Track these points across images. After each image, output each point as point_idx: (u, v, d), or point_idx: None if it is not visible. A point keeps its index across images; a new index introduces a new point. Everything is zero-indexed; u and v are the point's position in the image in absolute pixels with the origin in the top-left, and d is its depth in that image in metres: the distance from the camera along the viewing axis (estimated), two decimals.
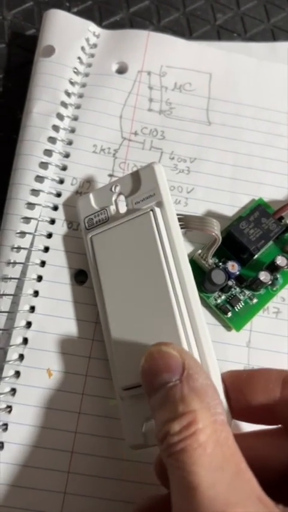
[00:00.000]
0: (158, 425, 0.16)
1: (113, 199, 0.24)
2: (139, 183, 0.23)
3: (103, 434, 0.22)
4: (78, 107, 0.28)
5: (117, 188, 0.24)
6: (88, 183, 0.26)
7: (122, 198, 0.24)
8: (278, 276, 0.24)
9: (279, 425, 0.19)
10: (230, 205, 0.27)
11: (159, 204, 0.22)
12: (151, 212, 0.22)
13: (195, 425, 0.15)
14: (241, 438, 0.18)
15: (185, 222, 0.23)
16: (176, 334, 0.20)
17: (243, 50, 0.33)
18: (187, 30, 0.34)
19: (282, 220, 0.26)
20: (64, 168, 0.26)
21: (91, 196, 0.24)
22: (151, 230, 0.21)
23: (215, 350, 0.23)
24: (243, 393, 0.18)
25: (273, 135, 0.29)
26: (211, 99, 0.29)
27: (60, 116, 0.27)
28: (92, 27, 0.30)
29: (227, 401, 0.19)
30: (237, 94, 0.29)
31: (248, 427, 0.20)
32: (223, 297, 0.24)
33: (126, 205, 0.23)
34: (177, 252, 0.21)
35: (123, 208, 0.23)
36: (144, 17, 0.34)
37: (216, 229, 0.22)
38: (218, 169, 0.27)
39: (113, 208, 0.24)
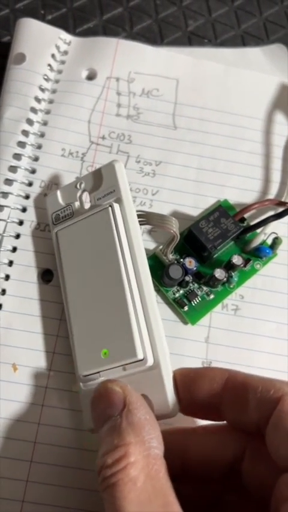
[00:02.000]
0: (98, 457, 0.17)
1: (78, 195, 0.25)
2: (101, 180, 0.24)
3: (66, 425, 0.23)
4: (48, 112, 0.29)
5: (82, 185, 0.25)
6: (56, 186, 0.27)
7: (86, 194, 0.25)
8: (233, 274, 0.25)
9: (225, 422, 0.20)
10: (194, 207, 0.28)
11: (118, 200, 0.23)
12: (109, 208, 0.23)
13: (126, 459, 0.16)
14: (190, 434, 0.20)
15: (146, 218, 0.24)
16: (129, 327, 0.21)
17: (214, 55, 0.35)
18: (159, 36, 0.35)
19: (245, 222, 0.27)
20: (33, 171, 0.27)
21: (58, 192, 0.26)
22: (109, 225, 0.23)
23: (174, 345, 0.25)
24: (190, 390, 0.19)
25: (238, 139, 0.30)
26: (178, 104, 0.30)
27: (30, 122, 0.28)
28: (63, 35, 0.31)
29: (177, 397, 0.20)
30: (204, 99, 0.30)
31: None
32: (181, 291, 0.25)
33: (90, 201, 0.24)
34: (134, 246, 0.22)
35: (87, 204, 0.25)
36: (117, 24, 0.35)
37: (174, 227, 0.23)
38: (182, 172, 0.29)
39: (77, 204, 0.25)
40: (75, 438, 0.23)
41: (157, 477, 0.16)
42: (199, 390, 0.19)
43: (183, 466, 0.19)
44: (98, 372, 0.21)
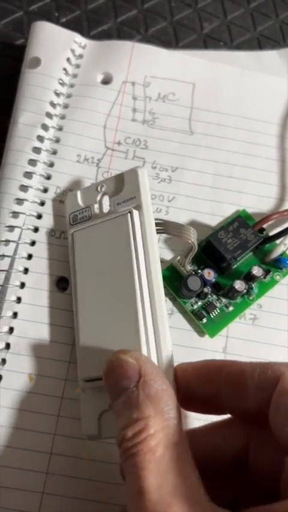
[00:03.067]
0: (117, 430, 0.17)
1: (98, 198, 0.25)
2: (122, 185, 0.24)
3: (81, 436, 0.23)
4: (63, 117, 0.28)
5: (103, 189, 0.24)
6: (72, 192, 0.27)
7: (106, 198, 0.24)
8: (253, 285, 0.24)
9: (230, 416, 0.19)
10: (211, 214, 0.28)
11: (138, 207, 0.23)
12: (129, 214, 0.23)
13: (146, 431, 0.16)
14: (191, 434, 0.19)
15: (164, 227, 0.24)
16: (138, 338, 0.20)
17: (229, 59, 0.34)
18: (174, 39, 0.35)
19: (264, 232, 0.27)
20: (48, 177, 0.27)
21: (78, 193, 0.25)
22: (127, 231, 0.22)
23: (192, 355, 0.25)
24: (190, 385, 0.19)
25: (255, 144, 0.29)
26: (194, 109, 0.30)
27: (45, 127, 0.28)
28: (78, 38, 0.31)
29: (177, 393, 0.19)
30: (220, 103, 0.30)
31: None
32: (199, 303, 0.25)
33: (109, 205, 0.24)
34: (150, 254, 0.22)
35: (106, 208, 0.24)
36: (132, 27, 0.35)
37: (192, 237, 0.23)
38: (199, 178, 0.28)
39: (96, 206, 0.24)
40: (91, 450, 0.23)
41: (175, 447, 0.16)
42: (197, 384, 0.19)
43: None
44: (100, 379, 0.21)
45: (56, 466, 0.22)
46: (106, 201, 0.24)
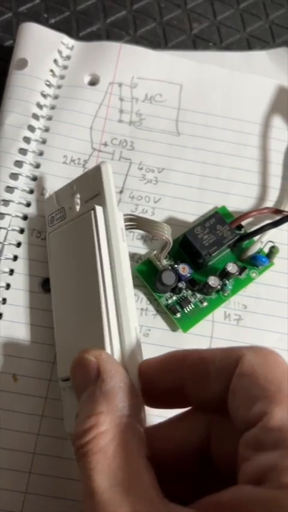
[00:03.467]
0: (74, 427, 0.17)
1: (70, 198, 0.25)
2: (89, 183, 0.24)
3: (64, 436, 0.23)
4: (50, 118, 0.29)
5: (75, 187, 0.24)
6: (50, 194, 0.27)
7: (77, 196, 0.24)
8: (227, 282, 0.25)
9: (190, 407, 0.19)
10: (197, 215, 0.28)
11: (103, 203, 0.23)
12: (92, 211, 0.22)
13: (97, 429, 0.16)
14: (151, 429, 0.19)
15: (137, 223, 0.23)
16: (101, 333, 0.20)
17: (218, 59, 0.34)
18: (163, 40, 0.35)
19: (242, 229, 0.27)
20: (34, 179, 0.27)
21: (54, 195, 0.25)
22: (91, 228, 0.22)
23: None
24: (155, 380, 0.19)
25: (242, 145, 0.29)
26: (181, 110, 0.30)
27: (31, 128, 0.28)
28: (66, 39, 0.31)
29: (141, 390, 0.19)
30: (207, 104, 0.30)
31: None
32: (174, 298, 0.25)
33: (80, 204, 0.24)
34: (114, 251, 0.22)
35: (78, 207, 0.24)
36: (121, 27, 0.35)
37: (166, 233, 0.23)
38: (185, 179, 0.28)
39: (68, 206, 0.24)
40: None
41: (128, 446, 0.16)
42: (162, 378, 0.19)
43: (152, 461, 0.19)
44: None
45: (39, 466, 0.22)
46: (78, 199, 0.24)
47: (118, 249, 0.22)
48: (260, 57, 0.35)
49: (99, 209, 0.23)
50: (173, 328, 0.25)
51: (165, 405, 0.20)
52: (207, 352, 0.18)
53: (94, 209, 0.22)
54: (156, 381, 0.19)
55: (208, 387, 0.17)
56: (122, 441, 0.16)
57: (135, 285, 0.25)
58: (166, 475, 0.17)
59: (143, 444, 0.16)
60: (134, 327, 0.21)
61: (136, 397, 0.18)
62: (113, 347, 0.20)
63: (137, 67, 0.30)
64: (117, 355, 0.20)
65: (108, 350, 0.20)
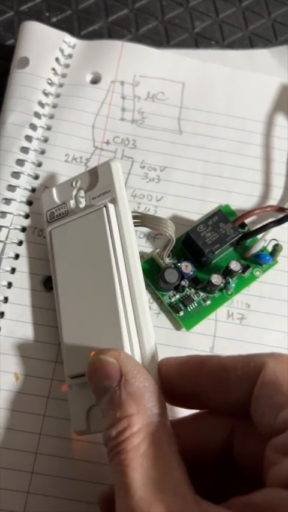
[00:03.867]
0: (103, 430, 0.17)
1: (73, 193, 0.24)
2: (97, 179, 0.24)
3: (68, 435, 0.23)
4: (51, 117, 0.29)
5: (78, 184, 0.24)
6: (47, 189, 0.27)
7: (81, 193, 0.24)
8: (231, 280, 0.25)
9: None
10: (199, 213, 0.27)
11: (113, 201, 0.23)
12: (104, 208, 0.22)
13: (129, 430, 0.16)
14: (184, 424, 0.19)
15: (142, 220, 0.23)
16: (119, 331, 0.20)
17: (221, 57, 0.34)
18: (165, 38, 0.35)
19: (246, 227, 0.27)
20: (36, 177, 0.27)
21: (54, 190, 0.25)
22: (103, 226, 0.22)
23: (179, 354, 0.24)
24: (173, 380, 0.19)
25: (245, 143, 0.29)
26: (183, 108, 0.30)
27: (33, 127, 0.28)
28: (68, 38, 0.31)
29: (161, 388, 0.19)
30: (210, 102, 0.30)
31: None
32: (177, 296, 0.25)
33: (85, 200, 0.24)
34: (127, 248, 0.22)
35: (82, 203, 0.24)
36: (123, 26, 0.35)
37: (170, 230, 0.23)
38: (188, 178, 0.28)
39: (72, 202, 0.24)
40: (78, 449, 0.23)
41: (159, 443, 0.16)
42: (180, 379, 0.19)
43: None
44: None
45: (42, 466, 0.22)
46: (82, 196, 0.24)
47: (132, 246, 0.22)
48: (262, 56, 0.35)
49: (111, 206, 0.23)
50: (177, 327, 0.25)
51: (183, 405, 0.20)
52: (228, 359, 0.18)
53: (106, 206, 0.23)
54: (174, 383, 0.19)
55: (227, 393, 0.18)
56: (153, 439, 0.16)
57: None
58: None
59: (173, 440, 0.17)
60: (151, 324, 0.21)
61: (160, 395, 0.18)
62: (132, 347, 0.20)
63: (139, 65, 0.30)
64: (137, 355, 0.20)
65: (127, 349, 0.20)
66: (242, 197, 0.28)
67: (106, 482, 0.22)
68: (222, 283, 0.24)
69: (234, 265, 0.24)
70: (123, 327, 0.21)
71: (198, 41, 0.35)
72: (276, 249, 0.25)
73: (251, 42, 0.35)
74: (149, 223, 0.24)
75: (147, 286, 0.25)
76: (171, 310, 0.25)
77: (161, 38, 0.35)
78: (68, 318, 0.23)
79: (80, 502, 0.22)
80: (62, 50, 0.30)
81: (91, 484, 0.22)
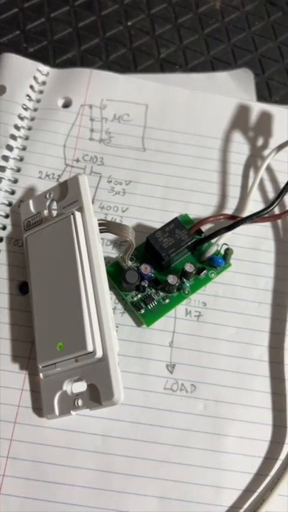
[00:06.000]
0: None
1: (47, 204, 0.28)
2: (66, 191, 0.27)
3: (43, 424, 0.25)
4: (27, 138, 0.32)
5: (51, 195, 0.28)
6: (25, 201, 0.29)
7: (54, 203, 0.27)
8: (185, 280, 0.28)
9: None
10: (160, 222, 0.30)
11: (80, 209, 0.26)
12: (72, 215, 0.26)
13: None
14: None
15: (107, 226, 0.27)
16: (82, 323, 0.23)
17: (184, 80, 0.37)
18: (133, 64, 0.38)
19: (202, 234, 0.29)
20: (13, 192, 0.30)
21: (30, 201, 0.28)
22: (71, 231, 0.25)
23: (141, 349, 0.27)
24: None
25: (203, 158, 0.32)
26: (147, 128, 0.33)
27: (9, 147, 0.31)
28: (41, 67, 0.34)
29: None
30: (171, 122, 0.33)
31: None
32: (139, 296, 0.28)
33: (57, 210, 0.27)
34: (92, 250, 0.25)
35: (54, 212, 0.27)
36: (94, 54, 0.38)
37: (130, 235, 0.26)
38: (150, 190, 0.31)
39: (46, 212, 0.27)
40: (54, 437, 0.25)
41: None
42: None
43: None
44: (54, 364, 0.24)
45: (16, 452, 0.25)
46: (54, 206, 0.27)
47: (96, 249, 0.25)
48: (222, 78, 0.38)
49: (78, 213, 0.26)
50: (138, 324, 0.28)
51: None
52: None
53: (73, 213, 0.26)
54: None
55: None
56: None
57: None
58: None
59: None
60: (111, 317, 0.24)
61: None
62: (94, 337, 0.23)
63: (106, 90, 0.33)
64: (98, 348, 0.23)
65: (89, 341, 0.23)
66: (199, 207, 0.31)
67: (81, 466, 0.25)
68: (177, 282, 0.27)
69: (188, 267, 0.27)
70: (86, 323, 0.23)
71: (164, 66, 0.38)
72: (227, 252, 0.28)
73: (212, 65, 0.39)
74: (112, 230, 0.27)
75: (112, 287, 0.28)
76: (133, 309, 0.28)
77: (129, 64, 0.38)
78: (40, 316, 0.25)
79: (56, 483, 0.24)
80: (36, 78, 0.33)
81: (63, 467, 0.25)
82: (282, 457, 0.26)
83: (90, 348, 0.23)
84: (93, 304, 0.24)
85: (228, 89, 0.37)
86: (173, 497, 0.25)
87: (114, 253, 0.29)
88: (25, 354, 0.27)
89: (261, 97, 0.37)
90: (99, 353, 0.23)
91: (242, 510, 0.25)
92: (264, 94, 0.38)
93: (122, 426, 0.26)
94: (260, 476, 0.25)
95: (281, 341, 0.28)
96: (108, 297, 0.25)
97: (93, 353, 0.23)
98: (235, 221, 0.28)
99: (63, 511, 0.24)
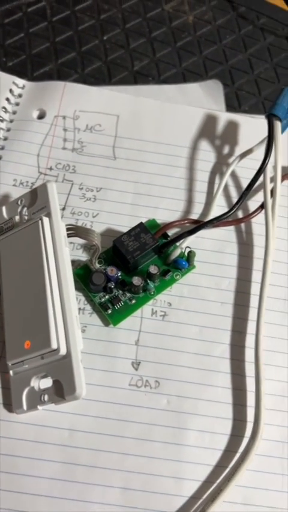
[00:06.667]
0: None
1: (18, 210, 0.29)
2: (36, 197, 0.29)
3: (12, 419, 0.27)
4: (2, 148, 0.33)
5: (22, 202, 0.29)
6: None
7: (25, 209, 0.29)
8: (149, 281, 0.29)
9: None
10: (129, 227, 0.31)
11: (49, 214, 0.28)
12: (40, 221, 0.27)
13: None
14: None
15: (75, 231, 0.28)
16: (47, 322, 0.25)
17: (156, 92, 0.39)
18: (107, 76, 0.40)
19: (168, 238, 0.31)
20: None
21: (3, 208, 0.30)
22: (38, 235, 0.27)
23: (108, 347, 0.29)
24: None
25: (171, 166, 0.34)
26: (117, 137, 0.34)
27: None
28: (17, 80, 0.36)
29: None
30: (141, 132, 0.35)
31: None
32: (107, 297, 0.29)
33: (27, 215, 0.29)
34: (58, 254, 0.27)
35: (25, 218, 0.29)
36: (70, 67, 0.40)
37: (96, 239, 0.27)
38: (120, 197, 0.33)
39: (17, 217, 0.29)
40: (23, 432, 0.26)
41: None
42: None
43: None
44: (22, 361, 0.25)
45: None
46: (25, 212, 0.29)
47: (62, 253, 0.27)
48: (192, 89, 0.40)
49: (45, 219, 0.27)
50: (105, 323, 0.29)
51: None
52: None
53: (41, 219, 0.27)
54: None
55: None
56: None
57: (75, 288, 0.29)
58: None
59: None
60: (76, 317, 0.26)
61: None
62: (58, 335, 0.25)
63: (79, 102, 0.35)
64: (62, 342, 0.25)
65: (53, 339, 0.24)
66: (167, 212, 0.32)
67: (47, 458, 0.26)
68: (142, 283, 0.28)
69: (153, 269, 0.28)
70: (51, 322, 0.25)
71: (137, 78, 0.40)
72: (190, 255, 0.30)
73: (184, 77, 0.40)
74: (80, 234, 0.28)
75: (81, 289, 0.30)
76: (101, 309, 0.29)
77: (104, 77, 0.40)
78: (10, 316, 0.27)
79: (24, 475, 0.26)
80: (11, 91, 0.35)
81: (31, 460, 0.26)
82: (241, 449, 0.27)
83: (54, 346, 0.24)
84: (59, 305, 0.26)
85: (199, 100, 0.39)
86: (136, 488, 0.26)
87: (84, 257, 0.31)
88: None
89: (231, 107, 0.39)
90: (63, 351, 0.25)
91: (201, 500, 0.26)
92: (234, 103, 0.39)
93: (88, 421, 0.27)
94: (219, 467, 0.27)
95: (242, 339, 0.29)
96: (73, 298, 0.26)
97: (58, 350, 0.25)
98: (197, 225, 0.29)
99: (30, 501, 0.25)
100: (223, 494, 0.25)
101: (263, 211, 0.31)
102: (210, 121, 0.36)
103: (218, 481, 0.26)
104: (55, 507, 0.25)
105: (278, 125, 0.31)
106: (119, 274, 0.29)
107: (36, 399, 0.25)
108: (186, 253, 0.30)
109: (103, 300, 0.29)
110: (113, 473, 0.26)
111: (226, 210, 0.32)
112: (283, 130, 0.32)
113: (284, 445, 0.27)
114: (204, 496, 0.26)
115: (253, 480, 0.26)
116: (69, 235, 0.28)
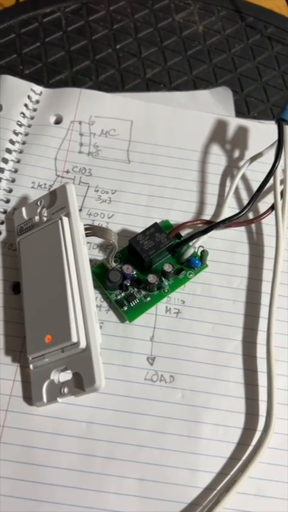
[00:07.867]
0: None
1: (38, 211, 0.30)
2: (55, 198, 0.30)
3: (32, 412, 0.28)
4: (21, 152, 0.34)
5: (42, 203, 0.30)
6: (18, 209, 0.32)
7: (44, 210, 0.30)
8: (164, 279, 0.30)
9: None
10: (143, 227, 0.33)
11: (67, 214, 0.29)
12: (59, 220, 0.28)
13: None
14: None
15: (92, 230, 0.29)
16: (67, 317, 0.26)
17: (168, 98, 0.40)
18: (120, 84, 0.41)
19: (181, 238, 0.32)
20: (8, 201, 0.33)
21: (23, 209, 0.31)
22: (58, 234, 0.28)
23: (124, 343, 0.30)
24: None
25: (183, 169, 0.35)
26: (131, 142, 0.36)
27: (5, 160, 0.34)
28: (35, 87, 0.37)
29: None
30: (154, 136, 0.36)
31: None
32: (122, 294, 0.30)
33: (46, 216, 0.30)
34: (77, 252, 0.28)
35: (45, 218, 0.30)
36: (85, 75, 0.41)
37: (113, 238, 0.28)
38: (134, 199, 0.34)
39: (37, 217, 0.30)
40: (42, 424, 0.27)
41: None
42: None
43: None
44: (43, 355, 0.26)
45: (8, 437, 0.27)
46: (44, 212, 0.30)
47: (81, 250, 0.28)
48: (203, 95, 0.41)
49: (65, 218, 0.28)
50: (121, 320, 0.30)
51: None
52: None
53: (61, 218, 0.28)
54: None
55: None
56: None
57: None
58: None
59: None
60: (94, 312, 0.27)
61: None
62: (78, 329, 0.26)
63: (94, 108, 0.36)
64: (82, 336, 0.26)
65: (74, 333, 0.25)
66: (180, 214, 0.34)
67: (65, 449, 0.27)
68: (157, 281, 0.29)
69: (167, 267, 0.29)
70: (71, 316, 0.26)
71: (149, 85, 0.41)
72: (203, 254, 0.31)
73: (194, 84, 0.42)
74: (97, 233, 0.29)
75: (98, 287, 0.31)
76: (117, 306, 0.30)
77: (117, 84, 0.41)
78: (30, 312, 0.28)
79: (43, 466, 0.26)
80: (30, 97, 0.36)
81: (49, 451, 0.27)
82: (253, 442, 0.28)
83: (74, 339, 0.25)
84: (78, 300, 0.27)
85: (209, 106, 0.40)
86: (152, 479, 0.27)
87: (100, 256, 0.32)
88: (17, 348, 0.29)
89: (240, 113, 0.40)
90: (82, 344, 0.26)
91: (216, 491, 0.27)
92: (243, 110, 0.41)
93: (105, 414, 0.28)
94: (233, 460, 0.27)
95: (253, 335, 0.30)
96: (92, 294, 0.27)
97: (77, 343, 0.25)
98: (209, 225, 0.30)
99: (48, 491, 0.26)
100: (237, 485, 0.26)
101: (273, 212, 0.32)
102: (220, 126, 0.37)
103: (232, 473, 0.27)
104: (72, 497, 0.26)
105: (287, 129, 0.32)
106: (135, 272, 0.30)
107: (56, 392, 0.26)
108: (199, 253, 0.31)
109: (119, 297, 0.30)
110: (130, 464, 0.27)
111: (237, 211, 0.33)
112: None
113: None
114: (219, 487, 0.27)
115: (266, 472, 0.27)
116: (86, 235, 0.29)
